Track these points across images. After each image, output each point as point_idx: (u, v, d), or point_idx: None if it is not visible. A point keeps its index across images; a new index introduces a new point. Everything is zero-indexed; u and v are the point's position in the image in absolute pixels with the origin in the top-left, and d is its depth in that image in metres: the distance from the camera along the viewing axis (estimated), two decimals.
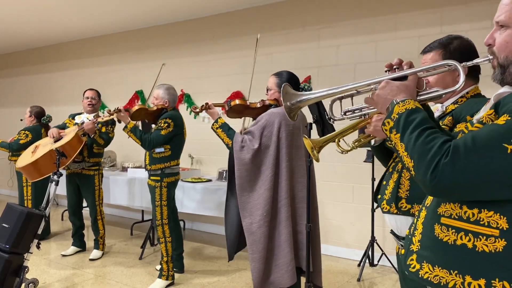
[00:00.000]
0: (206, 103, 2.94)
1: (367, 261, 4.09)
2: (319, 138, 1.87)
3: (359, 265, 4.26)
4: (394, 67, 1.30)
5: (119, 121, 3.92)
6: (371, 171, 4.09)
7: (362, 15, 4.48)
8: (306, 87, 2.79)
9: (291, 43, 4.96)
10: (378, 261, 4.17)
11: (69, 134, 4.14)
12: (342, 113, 1.50)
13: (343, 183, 4.57)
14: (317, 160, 1.89)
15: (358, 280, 3.91)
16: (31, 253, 3.32)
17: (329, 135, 1.84)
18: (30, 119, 5.10)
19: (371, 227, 4.08)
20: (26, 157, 4.15)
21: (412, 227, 1.25)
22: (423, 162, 1.05)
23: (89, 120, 4.42)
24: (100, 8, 5.43)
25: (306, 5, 4.84)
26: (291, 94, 1.41)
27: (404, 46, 4.23)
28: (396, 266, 4.03)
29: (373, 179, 4.07)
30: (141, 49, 6.35)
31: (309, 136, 2.70)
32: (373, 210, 4.07)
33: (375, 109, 1.36)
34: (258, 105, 2.87)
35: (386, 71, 1.32)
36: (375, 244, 4.10)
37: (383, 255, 4.11)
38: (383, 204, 1.89)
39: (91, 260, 4.43)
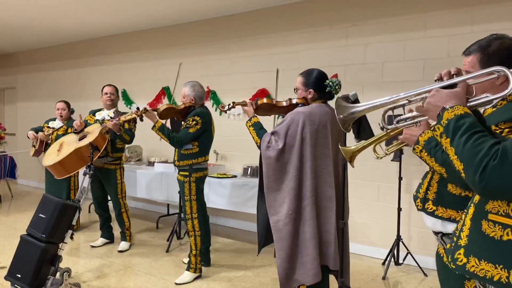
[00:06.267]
0: (233, 102, 2.99)
1: (392, 259, 4.10)
2: (351, 147, 1.92)
3: (383, 263, 4.27)
4: (444, 78, 1.35)
5: (141, 120, 3.98)
6: (398, 170, 4.09)
7: (390, 13, 4.47)
8: (331, 83, 2.77)
9: (318, 41, 4.97)
10: (404, 260, 4.17)
11: (93, 132, 4.21)
12: (395, 122, 1.55)
13: (369, 181, 4.57)
14: (352, 166, 1.96)
15: (383, 278, 3.92)
16: (66, 243, 3.43)
17: (362, 144, 1.90)
18: (69, 113, 5.36)
19: (397, 226, 4.08)
20: (53, 155, 4.25)
21: (461, 223, 1.28)
22: (472, 164, 1.08)
23: (110, 116, 4.51)
24: (130, 5, 5.53)
25: (334, 3, 4.85)
26: (344, 106, 1.46)
27: (434, 46, 4.21)
28: (421, 265, 4.04)
29: (400, 178, 4.07)
30: (169, 46, 6.45)
31: (345, 137, 2.74)
32: (399, 209, 4.07)
33: (427, 117, 1.40)
34: (284, 104, 2.89)
35: (435, 81, 1.36)
36: (400, 243, 4.11)
37: (409, 254, 4.10)
38: (417, 202, 1.93)
39: (120, 251, 4.55)
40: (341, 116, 1.47)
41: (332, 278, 2.93)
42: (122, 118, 4.14)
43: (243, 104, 2.90)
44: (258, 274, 3.99)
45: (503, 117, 1.50)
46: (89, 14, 5.99)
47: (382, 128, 1.61)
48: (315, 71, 2.83)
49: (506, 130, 1.44)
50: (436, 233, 1.89)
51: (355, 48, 4.71)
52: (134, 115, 3.96)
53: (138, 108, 3.96)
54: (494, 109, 1.69)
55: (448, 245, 1.31)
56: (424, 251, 4.22)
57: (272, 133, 2.72)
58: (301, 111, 2.70)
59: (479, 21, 3.98)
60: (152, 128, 3.72)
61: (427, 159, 1.67)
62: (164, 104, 3.82)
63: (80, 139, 4.22)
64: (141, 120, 4.00)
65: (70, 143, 4.24)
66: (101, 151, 4.17)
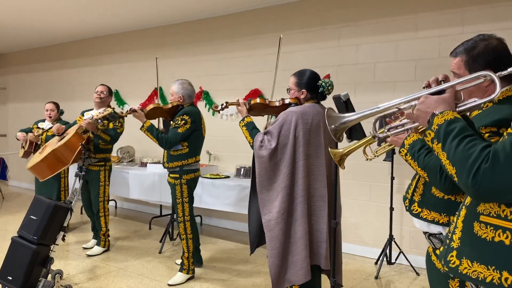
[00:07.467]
0: (226, 102, 2.99)
1: (384, 259, 4.12)
2: (340, 149, 1.94)
3: (376, 263, 4.29)
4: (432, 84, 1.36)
5: (114, 119, 3.96)
6: (390, 170, 4.11)
7: (382, 14, 4.49)
8: (323, 83, 2.79)
9: (311, 42, 4.99)
10: (396, 260, 4.19)
11: (70, 133, 4.18)
12: (386, 130, 1.56)
13: (361, 181, 4.59)
14: (342, 168, 1.98)
15: (376, 278, 3.94)
16: (57, 245, 3.41)
17: (351, 146, 1.91)
18: (58, 114, 5.32)
19: (389, 226, 4.10)
20: (35, 159, 4.24)
21: (453, 225, 1.29)
22: (464, 168, 1.09)
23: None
24: (121, 5, 5.51)
25: (326, 4, 4.86)
26: (335, 117, 1.48)
27: (425, 46, 4.23)
28: (413, 264, 4.06)
29: (392, 178, 4.09)
30: (161, 46, 6.43)
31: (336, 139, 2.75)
32: (391, 209, 4.09)
33: (417, 124, 1.41)
34: (277, 104, 2.90)
35: (424, 88, 1.38)
36: (393, 242, 4.12)
37: (401, 253, 4.13)
38: (406, 203, 1.94)
39: (89, 256, 4.42)
40: (332, 126, 1.48)
41: (324, 278, 2.94)
42: (95, 115, 4.04)
43: (236, 104, 2.90)
44: (251, 275, 3.99)
45: (484, 121, 1.49)
46: (81, 15, 5.95)
47: (373, 137, 1.62)
48: (307, 72, 2.84)
49: (487, 135, 1.44)
50: (424, 233, 1.90)
51: (347, 48, 4.72)
52: (105, 113, 3.89)
53: (109, 105, 3.92)
54: (480, 111, 1.68)
55: (442, 248, 1.31)
56: (416, 251, 4.25)
57: (265, 133, 2.73)
58: (294, 111, 2.71)
59: (469, 22, 4.02)
60: (141, 129, 3.67)
61: (411, 163, 1.68)
62: (151, 104, 3.78)
63: (59, 141, 4.20)
64: (114, 119, 3.95)
65: (51, 145, 4.22)
66: (77, 152, 4.02)
